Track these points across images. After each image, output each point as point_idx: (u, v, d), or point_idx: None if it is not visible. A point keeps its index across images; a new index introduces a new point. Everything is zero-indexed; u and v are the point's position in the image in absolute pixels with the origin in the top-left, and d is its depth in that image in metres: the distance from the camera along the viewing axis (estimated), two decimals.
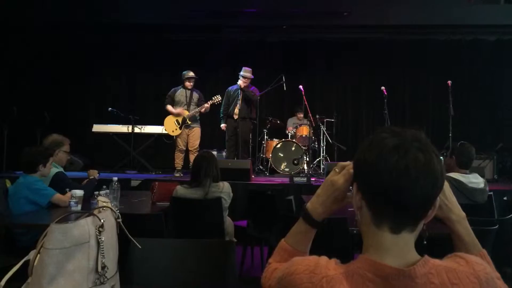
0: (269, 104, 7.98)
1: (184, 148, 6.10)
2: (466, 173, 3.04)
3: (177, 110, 5.98)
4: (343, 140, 7.37)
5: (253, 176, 5.60)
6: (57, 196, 2.92)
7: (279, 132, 7.22)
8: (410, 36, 7.63)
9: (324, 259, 0.84)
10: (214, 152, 5.77)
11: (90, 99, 8.37)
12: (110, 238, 1.31)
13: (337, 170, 0.97)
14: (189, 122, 6.00)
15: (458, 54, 7.90)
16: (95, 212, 1.32)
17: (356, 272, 0.78)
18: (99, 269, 1.23)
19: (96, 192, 2.68)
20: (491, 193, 3.15)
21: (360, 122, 8.24)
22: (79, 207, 2.67)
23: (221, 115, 6.42)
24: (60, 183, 3.13)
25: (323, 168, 6.34)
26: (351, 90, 8.32)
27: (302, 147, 6.41)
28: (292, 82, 6.68)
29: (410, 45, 7.82)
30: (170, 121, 6.08)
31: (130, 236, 1.43)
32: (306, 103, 6.29)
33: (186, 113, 5.98)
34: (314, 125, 6.64)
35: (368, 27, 7.31)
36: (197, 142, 6.09)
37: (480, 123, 7.67)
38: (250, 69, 6.24)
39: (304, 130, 6.70)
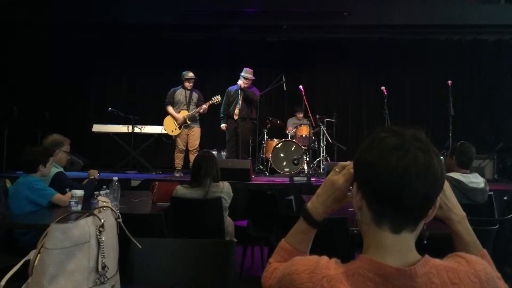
0: (269, 104, 7.99)
1: (184, 148, 6.10)
2: (466, 173, 3.04)
3: (176, 116, 5.98)
4: (343, 140, 7.37)
5: (253, 176, 5.60)
6: (57, 196, 2.92)
7: (279, 132, 7.23)
8: (410, 36, 7.64)
9: (324, 258, 0.84)
10: (214, 152, 5.78)
11: (90, 99, 8.38)
12: (110, 238, 1.31)
13: (337, 170, 0.97)
14: (189, 122, 6.00)
15: (458, 54, 7.91)
16: (96, 212, 1.32)
17: (356, 271, 0.78)
18: (100, 269, 1.23)
19: (96, 192, 2.68)
20: (491, 193, 3.15)
21: (360, 122, 8.24)
22: (79, 207, 2.67)
23: (221, 115, 6.42)
24: (60, 183, 3.13)
25: (323, 168, 6.34)
26: (351, 90, 8.32)
27: (302, 147, 6.41)
28: (292, 82, 6.69)
29: (410, 45, 7.82)
30: (169, 121, 6.09)
31: (130, 236, 1.43)
32: (306, 103, 6.30)
33: (186, 113, 5.99)
34: (314, 125, 6.65)
35: (368, 27, 7.32)
36: (197, 142, 6.09)
37: (480, 123, 7.67)
38: (251, 70, 6.24)
39: (304, 130, 6.70)
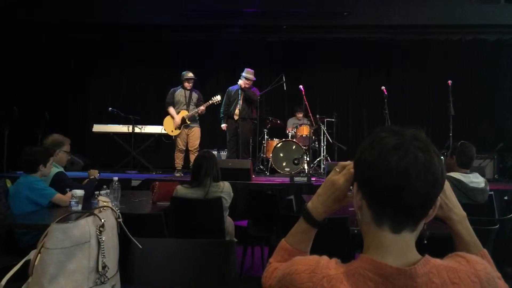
0: (269, 104, 7.99)
1: (184, 148, 6.10)
2: (466, 173, 3.04)
3: (175, 119, 5.98)
4: (344, 140, 7.38)
5: (253, 176, 5.61)
6: (58, 196, 2.92)
7: (280, 132, 7.23)
8: (410, 36, 7.64)
9: (324, 258, 0.84)
10: (215, 152, 5.78)
11: (90, 99, 8.38)
12: (110, 238, 1.31)
13: (337, 169, 0.97)
14: (188, 122, 6.00)
15: (458, 54, 7.91)
16: (96, 212, 1.32)
17: (356, 271, 0.78)
18: (100, 268, 1.23)
19: (97, 192, 2.68)
20: (492, 192, 3.15)
21: (361, 122, 8.24)
22: (79, 207, 2.67)
23: (222, 115, 6.42)
24: (61, 183, 3.13)
25: (324, 168, 6.34)
26: (351, 90, 8.32)
27: (302, 147, 6.41)
28: (292, 82, 6.69)
29: (410, 45, 7.82)
30: (169, 121, 6.09)
31: (130, 236, 1.43)
32: (306, 103, 6.30)
33: (185, 113, 5.99)
34: (314, 124, 6.64)
35: (368, 27, 7.31)
36: (197, 142, 6.09)
37: (480, 123, 7.67)
38: (252, 71, 6.25)
39: (305, 130, 6.70)
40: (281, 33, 7.71)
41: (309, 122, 6.59)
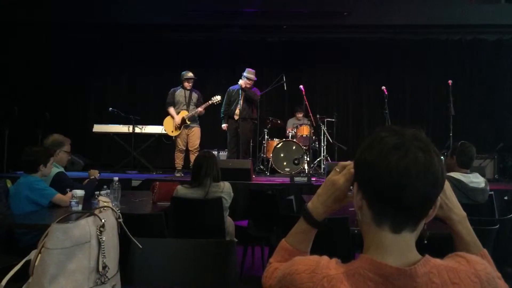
0: (269, 104, 7.99)
1: (184, 148, 6.10)
2: (466, 173, 3.04)
3: (175, 119, 5.98)
4: (344, 140, 7.38)
5: (253, 176, 5.61)
6: (58, 196, 2.92)
7: (280, 132, 7.23)
8: (410, 36, 7.63)
9: (325, 258, 0.84)
10: (215, 152, 5.78)
11: (90, 99, 8.39)
12: (111, 238, 1.31)
13: (337, 169, 0.97)
14: (188, 123, 6.01)
15: (458, 54, 7.91)
16: (96, 212, 1.32)
17: (357, 271, 0.78)
18: (100, 269, 1.23)
19: (97, 192, 2.68)
20: (492, 192, 3.15)
21: (361, 122, 8.24)
22: (80, 207, 2.67)
23: (222, 115, 6.42)
24: (61, 183, 3.13)
25: (324, 168, 6.34)
26: (351, 90, 8.32)
27: (302, 147, 6.41)
28: (293, 82, 6.69)
29: (410, 45, 7.82)
30: (169, 121, 6.09)
31: (131, 236, 1.43)
32: (306, 103, 6.30)
33: (185, 113, 5.99)
34: (314, 125, 6.64)
35: (368, 27, 7.31)
36: (197, 142, 6.09)
37: (480, 123, 7.67)
38: (253, 71, 6.25)
39: (305, 130, 6.69)
40: (281, 33, 7.71)
41: (309, 122, 6.59)
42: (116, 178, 2.90)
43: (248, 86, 6.18)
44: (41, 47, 7.66)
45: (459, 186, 2.93)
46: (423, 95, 8.08)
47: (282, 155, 6.43)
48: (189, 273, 1.74)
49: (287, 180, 5.37)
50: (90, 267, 1.22)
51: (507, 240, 2.50)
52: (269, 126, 6.86)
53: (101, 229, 1.26)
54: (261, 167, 6.74)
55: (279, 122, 6.99)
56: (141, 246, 1.51)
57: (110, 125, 7.07)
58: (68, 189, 2.98)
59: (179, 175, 5.96)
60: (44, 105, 7.33)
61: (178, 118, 5.98)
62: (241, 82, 6.18)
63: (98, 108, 8.10)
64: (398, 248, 0.79)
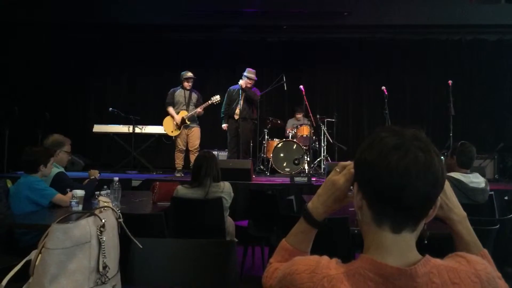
0: (269, 104, 7.99)
1: (184, 148, 6.10)
2: (467, 173, 3.04)
3: (175, 117, 5.99)
4: (344, 140, 7.37)
5: (254, 176, 5.61)
6: (58, 196, 2.92)
7: (280, 132, 7.23)
8: (410, 36, 7.64)
9: (325, 258, 0.84)
10: (215, 152, 5.78)
11: (90, 99, 8.39)
12: (111, 238, 1.31)
13: (338, 170, 0.97)
14: (188, 123, 6.01)
15: (459, 54, 7.91)
16: (96, 212, 1.32)
17: (357, 271, 0.78)
18: (101, 269, 1.23)
19: (97, 192, 2.68)
20: (492, 192, 3.15)
21: (361, 122, 8.24)
22: (80, 207, 2.67)
23: (222, 115, 6.42)
24: (61, 183, 3.13)
25: (324, 168, 6.34)
26: (351, 90, 8.32)
27: (302, 147, 6.41)
28: (293, 82, 6.70)
29: (410, 45, 7.82)
30: (169, 121, 6.09)
31: (131, 236, 1.43)
32: (306, 103, 6.30)
33: (185, 113, 5.99)
34: (314, 125, 6.64)
35: (368, 27, 7.32)
36: (197, 142, 6.09)
37: (480, 123, 7.67)
38: (254, 71, 6.25)
39: (305, 130, 6.70)
40: (281, 33, 7.71)
41: (309, 122, 6.59)
42: (116, 178, 2.90)
43: (248, 85, 6.18)
44: (41, 47, 7.66)
45: (459, 186, 2.93)
46: (423, 95, 8.08)
47: (282, 155, 6.43)
48: (189, 273, 1.74)
49: (287, 180, 5.37)
50: (91, 267, 1.22)
51: (507, 240, 2.50)
52: (269, 126, 6.86)
53: (102, 229, 1.26)
54: (261, 167, 6.74)
55: (279, 122, 6.99)
56: (141, 246, 1.51)
57: (110, 125, 7.07)
58: (68, 189, 2.98)
59: (179, 175, 5.97)
60: (44, 105, 7.33)
61: (178, 117, 5.98)
62: (241, 82, 6.18)
63: (98, 108, 8.10)
64: (398, 248, 0.79)
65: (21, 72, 7.67)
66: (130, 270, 1.68)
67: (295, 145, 6.45)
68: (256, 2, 6.95)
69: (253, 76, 6.20)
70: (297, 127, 6.86)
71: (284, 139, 6.60)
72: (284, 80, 6.40)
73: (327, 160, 6.78)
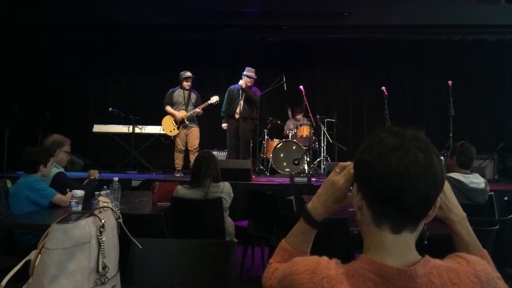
0: (269, 104, 7.99)
1: (183, 148, 6.10)
2: (466, 173, 3.04)
3: (176, 113, 5.99)
4: (344, 140, 7.37)
5: (253, 176, 5.61)
6: (58, 196, 2.92)
7: (280, 132, 7.23)
8: (410, 36, 7.64)
9: (324, 259, 0.84)
10: (215, 152, 5.78)
11: (90, 99, 8.39)
12: (111, 238, 1.31)
13: (337, 170, 0.97)
14: (187, 123, 6.01)
15: (459, 54, 7.91)
16: (96, 212, 1.32)
17: (356, 272, 0.78)
18: (100, 269, 1.23)
19: (97, 192, 2.68)
20: (492, 193, 3.14)
21: (361, 122, 8.24)
22: (80, 207, 2.67)
23: (222, 114, 6.42)
24: (61, 183, 3.13)
25: (324, 168, 6.34)
26: (351, 90, 8.32)
27: (302, 147, 6.41)
28: (293, 82, 6.69)
29: (410, 45, 7.82)
30: (168, 121, 6.08)
31: (131, 236, 1.43)
32: (306, 103, 6.30)
33: (184, 113, 5.99)
34: (314, 125, 6.64)
35: (368, 27, 7.32)
36: (197, 142, 6.09)
37: (480, 123, 7.67)
38: (253, 70, 6.26)
39: (305, 130, 6.70)
40: (281, 33, 7.71)
41: (308, 123, 6.59)
42: (116, 178, 2.90)
43: (248, 84, 6.18)
44: (41, 47, 7.66)
45: (459, 187, 2.93)
46: (423, 95, 8.08)
47: (282, 155, 6.43)
48: (189, 273, 1.74)
49: (287, 180, 5.37)
50: (90, 267, 1.22)
51: (507, 241, 2.50)
52: (269, 126, 6.86)
53: (101, 229, 1.26)
54: (261, 167, 6.74)
55: (279, 122, 6.99)
56: (141, 247, 1.51)
57: (110, 125, 7.07)
58: (68, 189, 2.98)
59: (179, 175, 5.96)
60: (44, 105, 7.33)
61: (178, 114, 5.98)
62: (241, 82, 6.18)
63: (98, 108, 8.10)
64: (398, 248, 0.79)
65: (21, 72, 7.67)
66: (130, 270, 1.68)
67: (295, 146, 6.45)
68: (256, 2, 6.94)
69: (252, 74, 6.20)
70: (297, 127, 6.86)
71: (284, 139, 6.59)
72: (284, 80, 6.40)
73: (327, 160, 6.78)
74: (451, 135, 6.08)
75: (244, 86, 6.14)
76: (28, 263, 1.22)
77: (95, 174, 3.54)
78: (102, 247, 1.25)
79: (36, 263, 1.19)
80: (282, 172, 6.34)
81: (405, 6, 6.91)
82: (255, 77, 6.25)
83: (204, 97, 6.19)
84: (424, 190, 0.76)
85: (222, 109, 6.40)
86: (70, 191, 2.87)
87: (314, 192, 1.03)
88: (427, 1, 6.92)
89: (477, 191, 2.97)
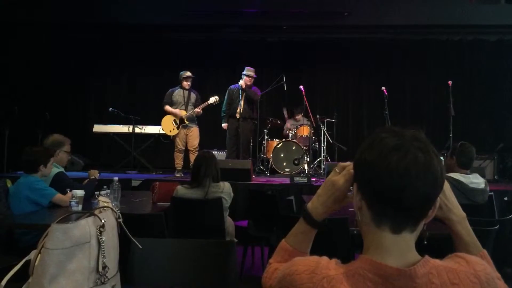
0: (269, 104, 7.99)
1: (183, 148, 6.10)
2: (466, 173, 3.04)
3: (176, 111, 5.99)
4: (344, 140, 7.37)
5: (253, 176, 5.61)
6: (58, 196, 2.92)
7: (280, 132, 7.23)
8: (410, 36, 7.63)
9: (324, 259, 0.84)
10: (215, 152, 5.78)
11: (90, 99, 8.39)
12: (111, 238, 1.31)
13: (337, 170, 0.97)
14: (187, 122, 6.01)
15: (459, 54, 7.91)
16: (96, 212, 1.32)
17: (356, 272, 0.78)
18: (100, 269, 1.23)
19: (97, 192, 2.68)
20: (492, 193, 3.14)
21: (361, 122, 8.24)
22: (80, 207, 2.67)
23: (223, 114, 6.42)
24: (61, 183, 3.13)
25: (324, 168, 6.34)
26: (351, 90, 8.32)
27: (302, 147, 6.41)
28: (293, 82, 6.69)
29: (410, 45, 7.82)
30: (167, 121, 6.09)
31: (131, 236, 1.43)
32: (306, 103, 6.30)
33: (184, 113, 5.99)
34: (314, 125, 6.64)
35: (368, 27, 7.31)
36: (196, 141, 6.09)
37: (480, 123, 7.67)
38: (253, 69, 6.27)
39: (305, 130, 6.70)
40: (281, 33, 7.71)
41: (309, 123, 6.59)
42: (116, 178, 2.90)
43: (248, 83, 6.19)
44: (41, 47, 7.66)
45: (458, 187, 2.93)
46: (423, 95, 8.07)
47: (282, 155, 6.43)
48: (189, 273, 1.74)
49: (287, 180, 5.37)
50: (90, 267, 1.22)
51: (507, 241, 2.50)
52: (269, 126, 6.86)
53: (101, 229, 1.26)
54: (261, 167, 6.74)
55: (279, 122, 6.99)
56: (141, 246, 1.51)
57: (110, 125, 7.07)
58: (68, 189, 2.98)
59: (179, 175, 5.96)
60: (44, 105, 7.33)
61: (179, 112, 5.98)
62: (241, 82, 6.18)
63: (98, 108, 8.10)
64: (398, 248, 0.79)
65: (21, 72, 7.67)
66: (130, 270, 1.68)
67: (295, 146, 6.45)
68: (256, 2, 6.94)
69: (252, 73, 6.20)
70: (296, 127, 6.86)
71: (284, 140, 6.59)
72: (284, 80, 6.40)
73: (327, 160, 6.78)
74: (451, 135, 6.08)
75: (244, 85, 6.15)
76: (28, 263, 1.22)
77: (95, 174, 3.54)
78: (102, 247, 1.25)
79: (36, 263, 1.19)
80: (282, 172, 6.34)
81: (405, 6, 6.91)
82: (255, 76, 6.26)
83: (204, 97, 6.19)
84: (424, 190, 0.76)
85: (223, 109, 6.40)
86: (70, 191, 2.87)
87: (314, 192, 1.03)
88: (427, 1, 6.92)
89: (477, 191, 2.97)
